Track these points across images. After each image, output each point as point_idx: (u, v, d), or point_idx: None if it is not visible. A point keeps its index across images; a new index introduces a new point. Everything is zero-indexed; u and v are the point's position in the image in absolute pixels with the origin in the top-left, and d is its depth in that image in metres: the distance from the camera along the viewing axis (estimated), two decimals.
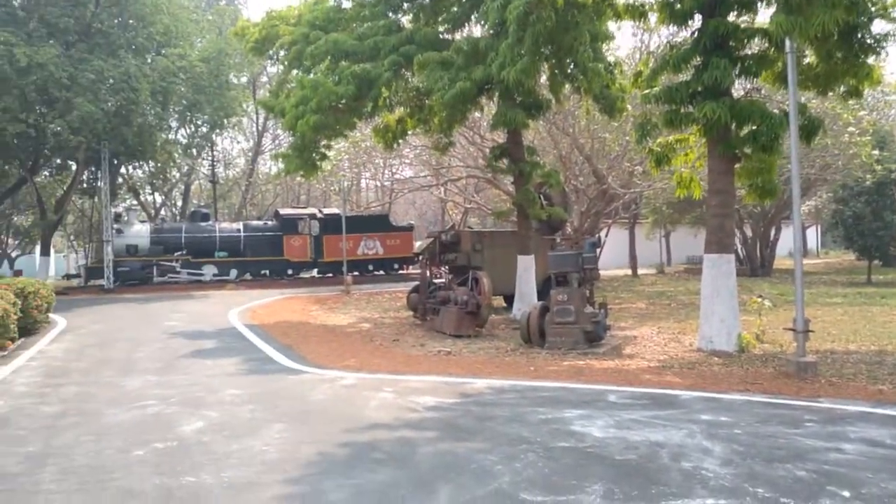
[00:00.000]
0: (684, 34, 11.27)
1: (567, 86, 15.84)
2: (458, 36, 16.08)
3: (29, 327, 14.39)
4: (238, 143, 47.83)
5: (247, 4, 35.12)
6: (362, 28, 15.21)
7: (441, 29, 15.27)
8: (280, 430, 6.11)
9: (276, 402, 7.27)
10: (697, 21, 10.92)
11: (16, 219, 48.05)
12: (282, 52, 15.80)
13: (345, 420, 6.42)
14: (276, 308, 20.00)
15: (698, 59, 10.66)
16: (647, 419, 6.33)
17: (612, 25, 15.06)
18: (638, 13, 11.47)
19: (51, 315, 17.38)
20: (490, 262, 17.40)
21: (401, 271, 33.51)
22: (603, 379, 8.44)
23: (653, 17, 11.43)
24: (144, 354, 11.20)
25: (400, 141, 18.79)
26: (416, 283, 21.23)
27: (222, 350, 11.48)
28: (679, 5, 10.75)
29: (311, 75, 14.66)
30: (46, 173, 36.64)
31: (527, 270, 16.17)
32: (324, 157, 16.37)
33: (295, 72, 16.63)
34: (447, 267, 19.39)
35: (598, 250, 12.36)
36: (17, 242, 50.55)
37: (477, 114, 23.04)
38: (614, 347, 10.68)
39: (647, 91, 10.72)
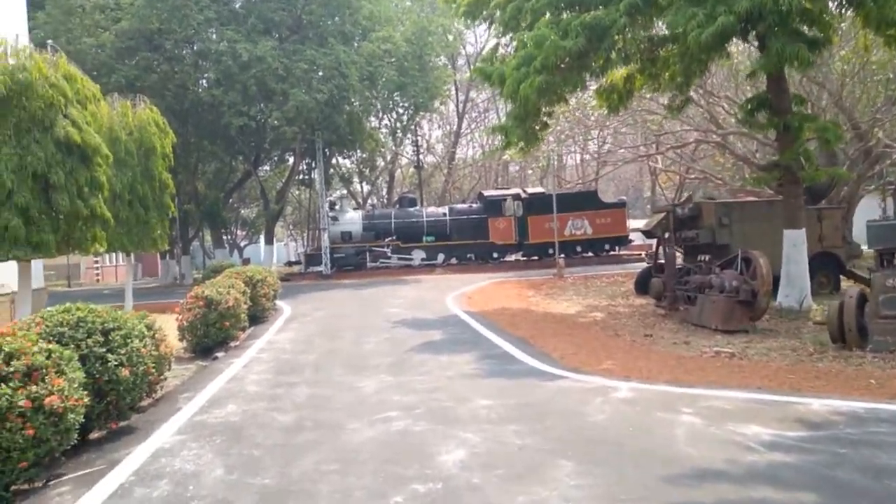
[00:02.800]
0: None
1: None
2: None
3: (258, 315, 14.38)
4: (439, 127, 47.91)
5: None
6: None
7: None
8: (572, 474, 4.44)
9: (545, 423, 5.66)
10: None
11: (243, 211, 52.51)
12: (497, 14, 14.27)
13: (656, 461, 4.61)
14: (491, 294, 18.79)
15: None
16: None
17: None
18: None
19: (277, 302, 17.61)
20: (741, 240, 14.65)
21: (612, 252, 31.07)
22: None
23: None
24: (372, 346, 10.29)
25: (623, 104, 16.51)
26: (646, 265, 18.92)
27: (453, 343, 10.23)
28: None
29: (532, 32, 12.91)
30: (267, 168, 39.17)
31: (796, 247, 13.21)
32: (545, 126, 14.65)
33: (507, 38, 15.05)
34: (684, 247, 16.88)
35: None
36: (244, 233, 55.33)
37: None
38: None
39: None
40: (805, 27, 11.50)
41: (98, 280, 46.82)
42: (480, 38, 46.88)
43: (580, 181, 39.62)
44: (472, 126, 48.55)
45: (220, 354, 10.70)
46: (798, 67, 11.78)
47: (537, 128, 14.14)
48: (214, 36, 24.34)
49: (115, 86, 22.36)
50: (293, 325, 13.73)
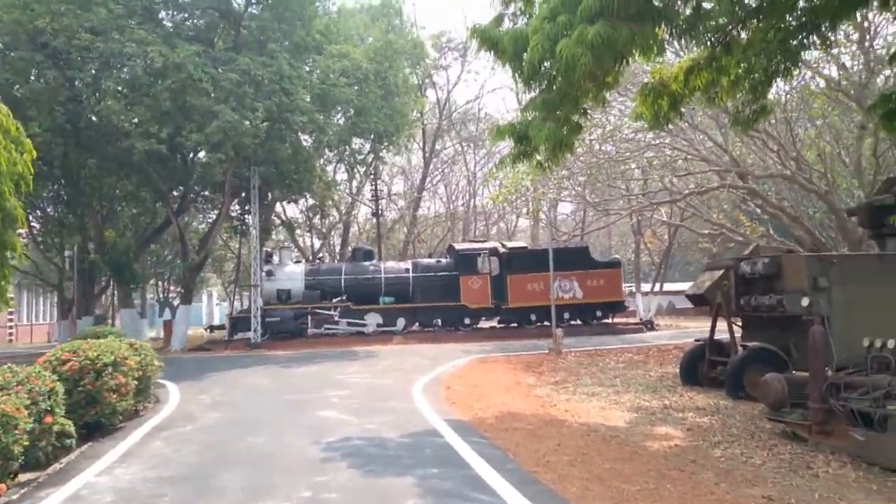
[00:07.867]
0: None
1: None
2: None
3: (103, 421, 8.55)
4: (402, 173, 42.95)
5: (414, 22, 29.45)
6: None
7: None
8: None
9: None
10: None
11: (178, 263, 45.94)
12: None
13: None
14: (475, 379, 13.29)
15: None
16: None
17: None
18: None
19: (167, 385, 11.98)
20: (847, 310, 9.70)
21: (605, 321, 25.89)
22: None
23: None
24: None
25: (674, 113, 11.54)
26: (698, 342, 13.62)
27: None
28: None
29: None
30: (201, 214, 33.33)
31: None
32: (578, 128, 9.52)
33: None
34: (743, 318, 11.87)
35: None
36: (177, 289, 48.63)
37: None
38: None
39: None
40: None
41: (11, 341, 39.45)
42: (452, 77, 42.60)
43: (559, 236, 34.82)
44: (437, 180, 43.72)
45: None
46: None
47: (569, 126, 8.93)
48: (121, 37, 18.84)
49: None
50: (155, 444, 7.94)
